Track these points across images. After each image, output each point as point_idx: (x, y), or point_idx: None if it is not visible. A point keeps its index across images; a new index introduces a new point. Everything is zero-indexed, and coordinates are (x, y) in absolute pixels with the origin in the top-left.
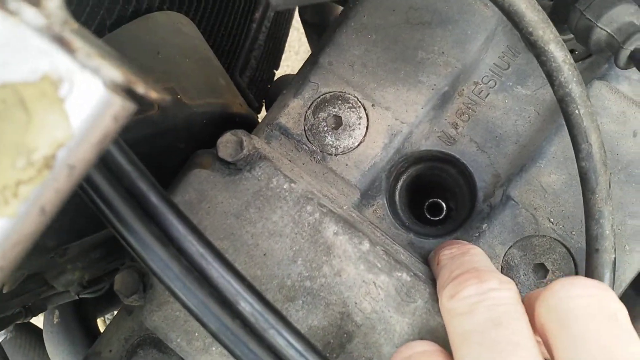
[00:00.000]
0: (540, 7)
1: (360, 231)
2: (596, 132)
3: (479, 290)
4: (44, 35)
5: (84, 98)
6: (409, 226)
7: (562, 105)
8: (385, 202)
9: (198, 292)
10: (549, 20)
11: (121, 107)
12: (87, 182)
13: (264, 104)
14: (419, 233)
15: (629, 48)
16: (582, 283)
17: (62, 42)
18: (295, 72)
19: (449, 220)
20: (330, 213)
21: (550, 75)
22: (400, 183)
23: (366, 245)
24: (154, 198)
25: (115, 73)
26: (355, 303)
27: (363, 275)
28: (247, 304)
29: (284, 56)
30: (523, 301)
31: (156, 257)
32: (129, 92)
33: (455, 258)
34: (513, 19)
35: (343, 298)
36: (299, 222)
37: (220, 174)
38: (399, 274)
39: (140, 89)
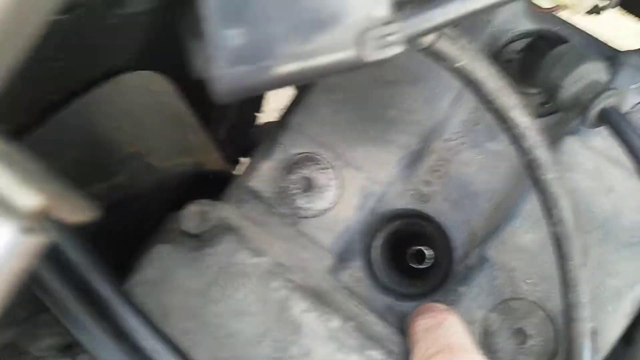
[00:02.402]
0: (500, 75)
1: (331, 306)
2: (566, 197)
3: None
4: None
5: None
6: (389, 286)
7: (529, 171)
8: (361, 264)
9: None
10: (510, 87)
11: (31, 244)
12: (34, 279)
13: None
14: (399, 294)
15: (595, 108)
16: None
17: None
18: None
19: (433, 269)
20: (298, 289)
21: (515, 142)
22: (376, 241)
23: (336, 323)
24: (105, 292)
25: (31, 201)
26: None
27: (333, 356)
28: None
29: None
30: None
31: (108, 353)
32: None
33: (430, 331)
34: (473, 88)
35: None
36: (265, 299)
37: (183, 248)
38: (370, 353)
39: (61, 213)
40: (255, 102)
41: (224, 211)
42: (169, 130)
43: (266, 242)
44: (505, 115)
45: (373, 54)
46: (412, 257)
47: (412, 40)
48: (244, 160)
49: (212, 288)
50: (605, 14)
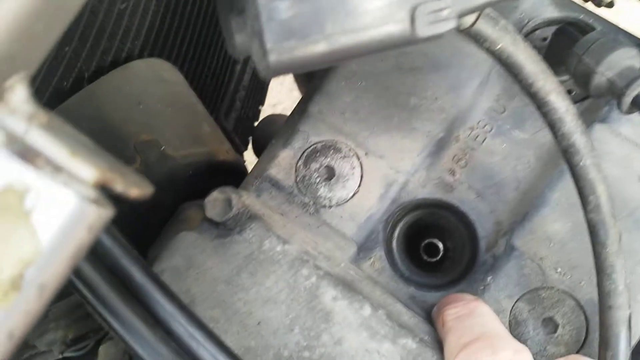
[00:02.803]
0: (539, 58)
1: (360, 293)
2: (603, 183)
3: None
4: (5, 151)
5: (53, 209)
6: (409, 277)
7: (567, 156)
8: (383, 253)
9: None
10: (549, 71)
11: (96, 216)
12: None
13: (250, 142)
14: (420, 284)
15: (631, 94)
16: None
17: (25, 157)
18: (280, 103)
19: (446, 262)
20: (327, 276)
21: (553, 127)
22: (397, 231)
23: (367, 310)
24: (138, 276)
25: (90, 172)
26: None
27: (365, 344)
28: None
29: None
30: None
31: (142, 340)
32: (105, 190)
33: (462, 319)
34: (512, 71)
35: None
36: (295, 287)
37: (209, 236)
38: (404, 341)
39: (119, 186)
40: (259, 94)
41: (247, 199)
42: (182, 119)
43: (290, 231)
44: (544, 99)
45: (426, 29)
46: (425, 249)
47: (462, 17)
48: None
49: (240, 275)
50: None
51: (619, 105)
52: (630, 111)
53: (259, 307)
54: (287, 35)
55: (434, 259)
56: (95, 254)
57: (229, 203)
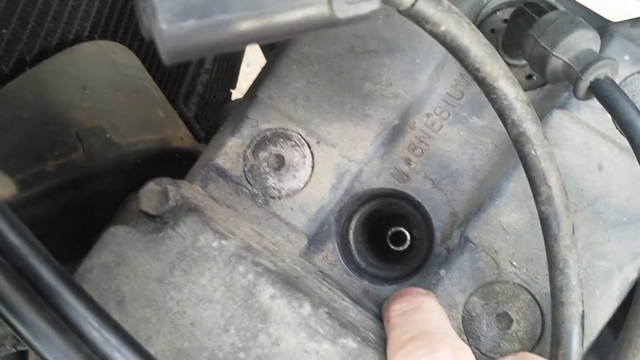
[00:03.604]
0: (486, 41)
1: (302, 291)
2: (556, 173)
3: None
4: None
5: None
6: (365, 269)
7: (517, 145)
8: (336, 246)
9: None
10: (497, 54)
11: None
12: None
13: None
14: (375, 277)
15: (588, 79)
16: None
17: None
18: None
19: (413, 251)
20: (266, 273)
21: (502, 114)
22: (353, 222)
23: (307, 309)
24: (48, 276)
25: None
26: None
27: (304, 344)
28: None
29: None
30: None
31: (51, 346)
32: None
33: (407, 315)
34: (457, 55)
35: None
36: (231, 285)
37: (142, 231)
38: (344, 341)
39: None
40: (228, 77)
41: (187, 190)
42: (133, 104)
43: (233, 224)
44: (491, 85)
45: (345, 10)
46: (392, 239)
47: None
48: None
49: (173, 273)
50: None
51: (575, 91)
52: (587, 97)
53: (193, 306)
54: (184, 14)
55: (401, 248)
56: (1, 252)
57: (165, 195)
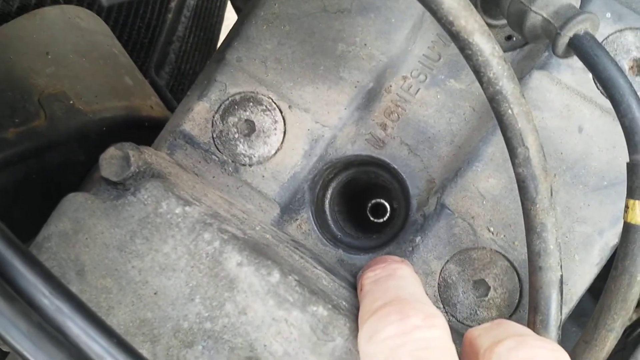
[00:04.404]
0: None
1: (270, 259)
2: (533, 133)
3: (400, 329)
4: None
5: None
6: (341, 239)
7: (493, 104)
8: (310, 215)
9: (54, 353)
10: (472, 7)
11: None
12: None
13: None
14: (351, 246)
15: (567, 34)
16: (532, 344)
17: None
18: None
19: (392, 222)
20: (233, 240)
21: (478, 72)
22: (330, 191)
23: (276, 277)
24: None
25: None
26: (265, 345)
27: (272, 313)
28: None
29: None
30: (462, 341)
31: None
32: None
33: (379, 282)
34: (430, 6)
35: (250, 340)
36: (196, 253)
37: (103, 198)
38: (314, 308)
39: None
40: (206, 47)
41: (150, 156)
42: (98, 71)
43: (200, 191)
44: (466, 40)
45: None
46: (372, 210)
47: None
48: None
49: (134, 241)
50: None
51: (553, 48)
52: (566, 55)
53: (156, 275)
54: None
55: (381, 220)
56: None
57: (126, 160)
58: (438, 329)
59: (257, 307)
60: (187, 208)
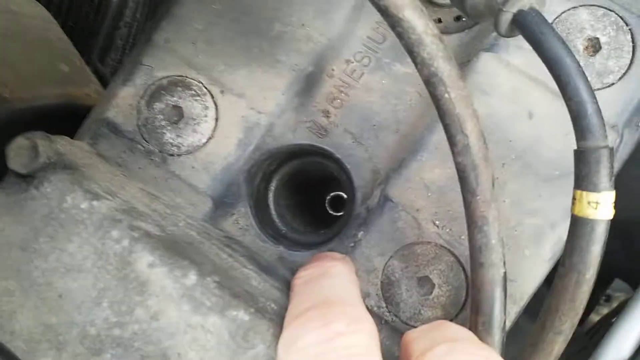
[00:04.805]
0: None
1: (188, 259)
2: (473, 119)
3: (322, 336)
4: None
5: None
6: (285, 234)
7: (429, 87)
8: (249, 209)
9: None
10: None
11: None
12: None
13: None
14: (296, 242)
15: (510, 10)
16: (465, 350)
17: None
18: None
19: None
20: (145, 238)
21: (411, 51)
22: (273, 183)
23: (192, 279)
24: None
25: None
26: (179, 354)
27: (187, 318)
28: None
29: None
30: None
31: None
32: None
33: (310, 283)
34: None
35: (163, 348)
36: (103, 252)
37: (9, 192)
38: (235, 313)
39: None
40: None
41: (64, 146)
42: (29, 56)
43: (118, 184)
44: (396, 16)
45: None
46: (330, 204)
47: None
48: None
49: (37, 239)
50: None
51: (496, 26)
52: (511, 34)
53: (60, 277)
54: None
55: (340, 213)
56: None
57: (35, 151)
58: (363, 334)
59: (171, 312)
60: (94, 202)
